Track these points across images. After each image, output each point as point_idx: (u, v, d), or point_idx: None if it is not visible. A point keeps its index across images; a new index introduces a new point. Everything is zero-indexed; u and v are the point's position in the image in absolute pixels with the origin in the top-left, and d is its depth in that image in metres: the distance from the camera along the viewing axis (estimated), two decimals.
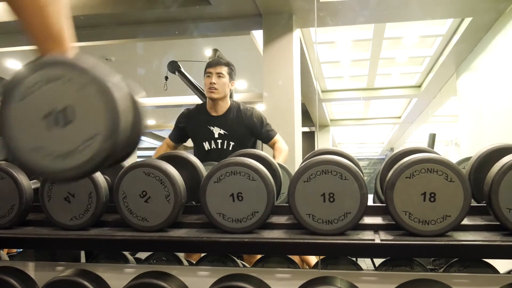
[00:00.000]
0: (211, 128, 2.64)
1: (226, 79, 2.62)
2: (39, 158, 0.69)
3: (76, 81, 0.67)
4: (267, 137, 2.66)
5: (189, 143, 2.71)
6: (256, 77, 5.98)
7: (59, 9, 0.72)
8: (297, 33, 4.57)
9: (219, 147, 2.62)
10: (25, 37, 0.72)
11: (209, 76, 2.62)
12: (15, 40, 5.02)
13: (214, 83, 2.58)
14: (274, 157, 2.62)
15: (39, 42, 0.72)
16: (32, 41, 0.72)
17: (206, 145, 2.63)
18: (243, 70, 6.14)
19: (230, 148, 2.61)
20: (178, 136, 2.75)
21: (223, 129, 2.62)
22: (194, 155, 2.69)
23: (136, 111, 0.77)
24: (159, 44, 5.55)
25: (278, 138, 2.67)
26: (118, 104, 0.67)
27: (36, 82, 0.68)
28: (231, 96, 2.81)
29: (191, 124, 2.71)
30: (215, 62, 2.69)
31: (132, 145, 0.82)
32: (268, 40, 4.43)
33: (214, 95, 2.60)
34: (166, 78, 4.42)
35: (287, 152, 2.64)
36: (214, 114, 2.66)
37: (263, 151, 1.68)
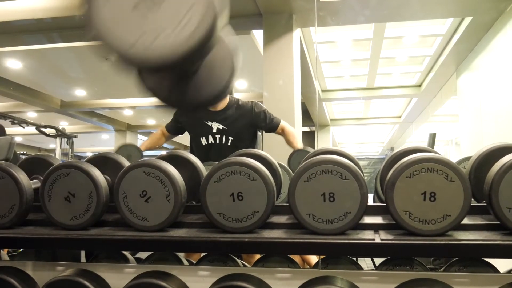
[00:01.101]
0: (210, 123, 2.63)
1: None
2: (145, 46, 0.65)
3: None
4: (273, 126, 2.67)
5: (185, 141, 2.71)
6: (256, 77, 5.98)
7: None
8: (297, 33, 4.57)
9: (217, 142, 2.61)
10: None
11: None
12: (15, 40, 5.02)
13: None
14: (289, 142, 2.63)
15: None
16: None
17: (204, 140, 2.62)
18: (243, 70, 6.13)
19: (229, 144, 2.60)
20: (175, 128, 2.75)
21: (222, 124, 2.62)
22: (191, 150, 2.70)
23: None
24: None
25: (284, 124, 2.69)
26: None
27: None
28: (230, 93, 2.81)
29: (189, 119, 2.70)
30: None
31: (230, 60, 0.75)
32: (268, 39, 4.43)
33: None
34: None
35: (297, 133, 2.67)
36: (212, 109, 2.65)
37: (263, 150, 1.68)
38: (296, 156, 1.95)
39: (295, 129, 2.73)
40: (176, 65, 0.74)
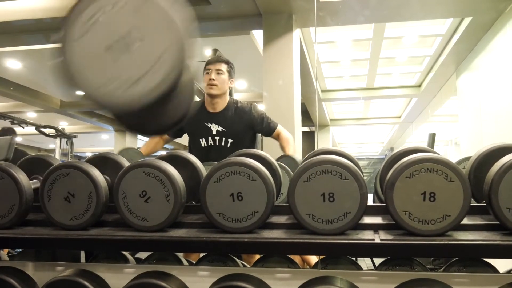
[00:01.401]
0: (209, 125, 2.62)
1: (225, 76, 2.62)
2: (113, 90, 0.66)
3: (134, 3, 0.65)
4: (269, 130, 2.67)
5: (185, 141, 2.71)
6: (256, 77, 5.99)
7: None
8: (297, 33, 4.57)
9: (217, 144, 2.61)
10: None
11: (208, 73, 2.61)
12: (15, 40, 5.02)
13: (213, 79, 2.57)
14: (282, 148, 2.63)
15: None
16: None
17: (203, 142, 2.62)
18: (243, 70, 6.14)
19: (228, 145, 2.60)
20: (174, 130, 2.74)
21: (221, 126, 2.61)
22: (189, 151, 2.69)
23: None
24: None
25: (280, 129, 2.68)
26: (179, 19, 0.65)
27: (93, 14, 0.65)
28: (230, 95, 2.81)
29: (188, 121, 2.70)
30: (214, 59, 2.69)
31: (190, 93, 0.78)
32: (268, 40, 4.43)
33: (213, 91, 2.59)
34: None
35: (292, 138, 2.66)
36: (212, 111, 2.65)
37: (263, 150, 1.68)
38: (281, 161, 1.92)
39: (291, 136, 2.68)
40: (140, 111, 0.75)
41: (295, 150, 2.63)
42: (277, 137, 2.67)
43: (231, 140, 2.60)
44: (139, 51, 0.65)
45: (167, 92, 0.68)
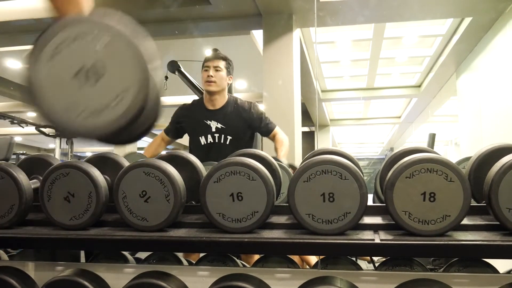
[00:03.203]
0: (208, 122, 2.62)
1: (223, 72, 2.62)
2: (73, 117, 0.68)
3: (103, 37, 0.66)
4: (267, 130, 2.66)
5: (185, 141, 2.71)
6: (256, 77, 5.98)
7: None
8: (297, 33, 4.57)
9: (216, 141, 2.60)
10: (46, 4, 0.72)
11: (206, 70, 2.61)
12: (15, 40, 5.02)
13: (212, 76, 2.57)
14: (275, 149, 2.63)
15: (58, 4, 0.72)
16: (51, 4, 0.72)
17: (203, 140, 2.62)
18: (243, 70, 6.14)
19: (228, 143, 2.60)
20: (174, 131, 2.74)
21: (220, 123, 2.61)
22: (190, 150, 2.69)
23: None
24: (159, 43, 5.52)
25: (277, 130, 2.68)
26: (146, 56, 0.67)
27: (63, 41, 0.67)
28: (230, 92, 2.81)
29: (188, 119, 2.70)
30: (212, 56, 2.69)
31: (155, 112, 0.80)
32: (268, 40, 4.43)
33: (212, 88, 2.59)
34: (166, 77, 4.42)
35: (287, 142, 2.65)
36: (211, 108, 2.65)
37: (263, 150, 1.67)
38: None
39: (287, 139, 2.66)
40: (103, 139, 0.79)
41: (287, 153, 2.61)
42: (273, 138, 2.67)
43: (230, 137, 2.60)
44: (102, 84, 0.67)
45: (128, 124, 0.70)
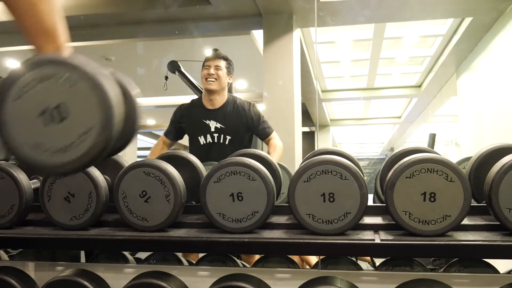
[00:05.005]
0: (207, 121, 2.62)
1: (223, 71, 2.62)
2: (38, 154, 0.71)
3: (68, 78, 0.69)
4: (264, 134, 2.65)
5: (185, 141, 2.70)
6: (256, 77, 5.98)
7: (52, 6, 0.75)
8: (297, 33, 4.57)
9: (215, 141, 2.60)
10: (21, 35, 0.73)
11: (207, 68, 2.61)
12: (15, 40, 5.01)
13: (212, 74, 2.57)
14: (268, 153, 2.62)
15: (33, 38, 0.74)
16: (26, 38, 0.74)
17: (202, 139, 2.61)
18: (243, 70, 6.14)
19: (227, 142, 2.59)
20: (174, 133, 2.73)
21: (219, 123, 2.60)
22: (189, 150, 2.69)
23: (130, 105, 0.80)
24: (159, 43, 5.55)
25: (274, 135, 2.67)
26: (110, 98, 0.69)
27: (30, 81, 0.70)
28: (230, 92, 2.80)
29: (187, 119, 2.69)
30: (213, 56, 2.69)
31: (127, 137, 0.83)
32: (268, 40, 4.43)
33: (211, 86, 2.58)
34: (166, 77, 4.42)
35: (281, 149, 2.63)
36: (210, 107, 2.64)
37: (263, 150, 1.67)
38: None
39: (281, 145, 2.63)
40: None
41: (279, 159, 2.58)
42: (268, 143, 2.66)
43: (230, 137, 2.59)
44: (66, 124, 0.69)
45: (92, 162, 0.73)
